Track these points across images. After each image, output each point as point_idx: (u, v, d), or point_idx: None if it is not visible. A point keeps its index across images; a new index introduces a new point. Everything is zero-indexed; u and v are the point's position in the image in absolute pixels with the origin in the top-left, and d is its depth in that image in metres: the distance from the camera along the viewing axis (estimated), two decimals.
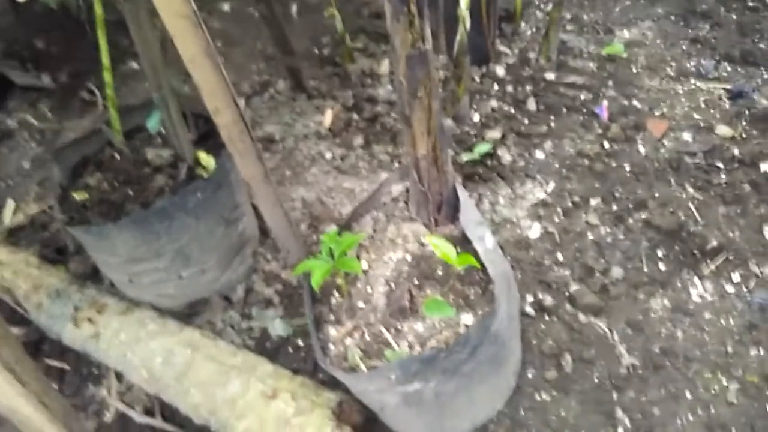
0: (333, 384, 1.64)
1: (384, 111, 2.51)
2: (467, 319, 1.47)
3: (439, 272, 1.53)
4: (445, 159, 1.51)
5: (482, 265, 1.43)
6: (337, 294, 1.54)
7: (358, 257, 1.56)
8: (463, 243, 1.55)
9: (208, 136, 2.02)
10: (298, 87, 2.71)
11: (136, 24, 1.62)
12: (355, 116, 2.54)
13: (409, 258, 1.55)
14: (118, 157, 1.94)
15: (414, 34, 1.28)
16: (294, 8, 3.37)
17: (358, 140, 2.43)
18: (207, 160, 1.93)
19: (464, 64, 2.25)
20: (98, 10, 1.69)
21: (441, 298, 1.46)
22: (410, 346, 1.43)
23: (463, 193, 1.57)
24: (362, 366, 1.40)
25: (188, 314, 1.99)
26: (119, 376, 1.92)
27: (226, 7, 3.40)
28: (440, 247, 1.38)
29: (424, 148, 1.47)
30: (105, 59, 1.76)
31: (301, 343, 1.89)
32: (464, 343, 1.35)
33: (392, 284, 1.52)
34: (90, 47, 3.16)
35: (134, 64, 3.09)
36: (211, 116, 1.67)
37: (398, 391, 1.38)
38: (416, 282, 1.53)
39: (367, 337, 1.46)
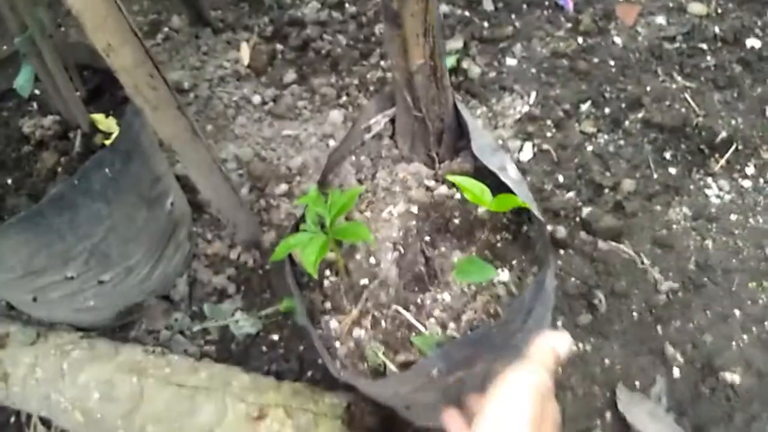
0: (331, 381, 1.28)
1: (315, 34, 2.05)
2: (503, 275, 1.13)
3: (456, 221, 1.17)
4: (444, 70, 1.13)
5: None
6: (329, 273, 1.15)
7: (349, 219, 1.17)
8: (479, 179, 1.19)
9: (100, 92, 1.52)
10: (198, 21, 2.18)
11: None
12: (279, 46, 2.07)
13: (414, 209, 1.17)
14: None
15: None
16: None
17: (290, 75, 1.98)
18: (106, 123, 1.44)
19: None
20: None
21: (474, 256, 1.10)
22: (442, 325, 1.08)
23: (467, 114, 1.20)
24: (389, 364, 1.03)
25: (121, 328, 1.54)
26: (46, 422, 1.46)
27: None
28: (469, 187, 1.01)
29: (420, 56, 1.07)
30: None
31: (275, 337, 1.49)
32: (518, 309, 1.01)
33: (400, 247, 1.15)
34: None
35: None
36: (104, 60, 1.19)
37: (437, 386, 1.04)
38: (429, 239, 1.16)
39: (383, 323, 1.09)
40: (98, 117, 1.42)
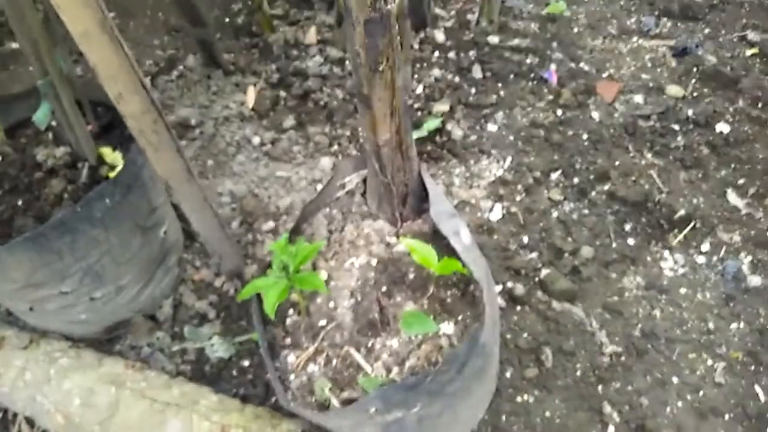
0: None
1: (315, 86, 2.22)
2: (448, 328, 1.26)
3: (411, 276, 1.31)
4: (410, 143, 1.28)
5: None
6: (292, 312, 1.29)
7: (315, 266, 1.31)
8: (435, 239, 1.33)
9: (112, 127, 1.68)
10: (211, 62, 2.37)
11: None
12: (282, 93, 2.25)
13: (374, 262, 1.31)
14: (1, 160, 1.57)
15: None
16: None
17: (289, 121, 2.15)
18: (113, 156, 1.60)
19: (405, 30, 1.99)
20: None
21: (418, 310, 1.24)
22: (387, 368, 1.21)
23: (430, 182, 1.35)
24: (333, 399, 1.16)
25: (108, 341, 1.67)
26: (30, 422, 1.59)
27: None
28: (418, 250, 1.15)
29: (386, 132, 1.22)
30: None
31: (246, 363, 1.62)
32: (452, 360, 1.14)
33: (358, 295, 1.28)
34: None
35: (14, 44, 2.63)
36: (114, 104, 1.35)
37: (377, 422, 1.16)
38: (385, 290, 1.30)
39: (334, 362, 1.22)
40: (105, 151, 1.58)
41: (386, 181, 1.30)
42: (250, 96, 2.23)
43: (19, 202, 1.49)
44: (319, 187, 1.95)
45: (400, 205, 1.35)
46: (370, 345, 1.24)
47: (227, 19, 2.67)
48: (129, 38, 2.61)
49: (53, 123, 1.61)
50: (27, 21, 1.32)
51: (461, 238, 1.27)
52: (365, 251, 1.33)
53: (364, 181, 1.43)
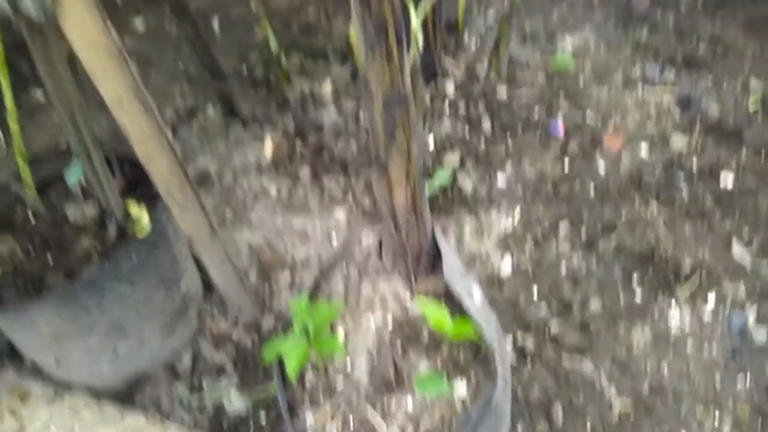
0: None
1: (331, 139, 2.30)
2: (461, 387, 1.30)
3: (425, 335, 1.36)
4: (424, 205, 1.34)
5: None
6: (311, 370, 1.33)
7: (333, 325, 1.36)
8: (449, 297, 1.38)
9: (137, 182, 1.75)
10: (230, 113, 2.46)
11: (46, 63, 1.34)
12: (298, 145, 2.32)
13: (390, 322, 1.36)
14: (33, 218, 1.64)
15: (392, 71, 1.10)
16: (216, 24, 3.10)
17: (305, 172, 2.22)
18: (139, 212, 1.66)
19: (418, 86, 2.07)
20: None
21: (432, 371, 1.28)
22: (402, 429, 1.25)
23: (443, 241, 1.40)
24: None
25: (128, 393, 1.72)
26: None
27: (140, 26, 3.08)
28: (432, 313, 1.20)
29: (402, 195, 1.28)
30: (9, 103, 1.47)
31: (263, 418, 1.66)
32: (465, 423, 1.19)
33: (374, 354, 1.33)
34: None
35: (39, 94, 2.73)
36: (143, 164, 1.43)
37: None
38: (400, 349, 1.34)
39: (351, 422, 1.27)
40: (133, 207, 1.65)
41: (401, 242, 1.36)
42: (268, 147, 2.31)
43: (50, 258, 1.56)
44: (334, 238, 2.02)
45: (414, 264, 1.40)
46: (386, 404, 1.28)
47: (245, 70, 2.76)
48: (150, 87, 2.68)
49: (82, 181, 1.68)
50: (63, 86, 1.39)
51: (473, 298, 1.32)
52: (381, 310, 1.38)
53: (380, 239, 1.48)
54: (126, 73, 1.29)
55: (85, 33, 1.22)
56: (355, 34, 1.08)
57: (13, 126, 1.51)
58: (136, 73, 1.32)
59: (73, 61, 1.41)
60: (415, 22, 1.81)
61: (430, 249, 1.43)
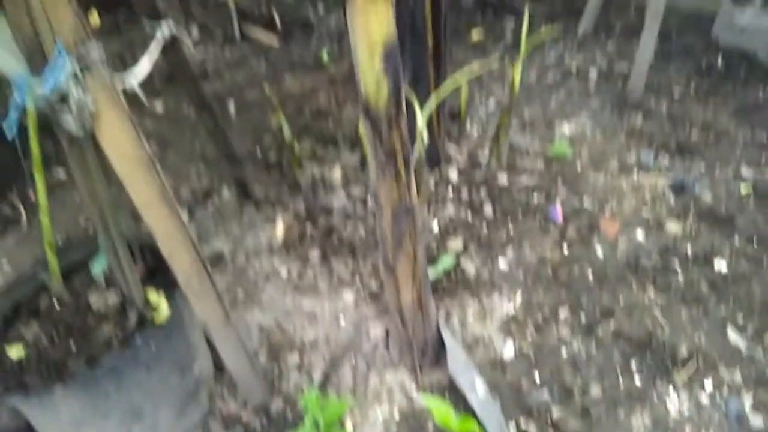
0: None
1: (340, 222, 2.41)
2: None
3: (431, 427, 1.42)
4: (429, 302, 1.42)
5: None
6: None
7: (342, 420, 1.43)
8: (453, 389, 1.45)
9: (156, 270, 1.84)
10: (244, 195, 2.58)
11: (81, 169, 1.46)
12: (309, 227, 2.43)
13: (396, 415, 1.43)
14: (57, 304, 1.73)
15: (400, 189, 1.21)
16: (232, 107, 3.27)
17: (315, 254, 2.31)
18: (157, 299, 1.75)
19: (422, 176, 2.20)
20: (35, 149, 1.53)
21: None
22: None
23: (447, 335, 1.48)
24: None
25: None
26: None
27: (159, 108, 3.26)
28: (437, 409, 1.27)
29: (408, 295, 1.38)
30: (42, 199, 1.59)
31: None
32: None
33: None
34: (11, 154, 2.93)
35: (61, 173, 2.87)
36: (166, 259, 1.53)
37: None
38: None
39: None
40: (152, 295, 1.74)
41: (407, 336, 1.44)
42: (279, 229, 2.41)
43: (73, 345, 1.64)
44: (342, 320, 2.09)
45: (419, 356, 1.48)
46: None
47: (259, 152, 2.91)
48: (167, 167, 2.85)
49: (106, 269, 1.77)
50: (96, 190, 1.51)
51: (476, 391, 1.39)
52: (388, 403, 1.44)
53: (387, 330, 1.56)
54: (155, 179, 1.40)
55: (120, 145, 1.34)
56: (364, 131, 1.19)
57: (45, 219, 1.62)
58: (163, 178, 1.43)
59: (104, 165, 1.53)
60: (421, 122, 1.95)
61: (435, 342, 1.51)
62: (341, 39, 3.70)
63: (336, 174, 2.62)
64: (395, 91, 1.08)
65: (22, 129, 2.79)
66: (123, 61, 3.44)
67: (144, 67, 1.64)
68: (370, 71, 1.04)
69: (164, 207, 1.45)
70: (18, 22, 1.21)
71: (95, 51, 1.28)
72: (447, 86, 2.06)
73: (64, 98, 1.26)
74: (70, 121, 1.29)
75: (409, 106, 1.71)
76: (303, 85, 3.36)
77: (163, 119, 3.20)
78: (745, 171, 2.68)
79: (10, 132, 1.31)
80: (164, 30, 1.91)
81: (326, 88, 3.31)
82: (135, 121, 1.36)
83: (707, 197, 2.54)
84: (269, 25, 3.84)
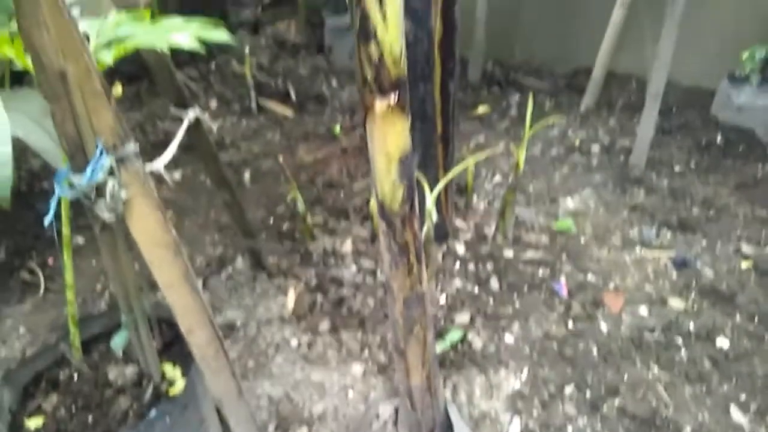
0: None
1: (350, 294, 2.48)
2: None
3: None
4: (437, 385, 1.48)
5: None
6: None
7: None
8: None
9: (172, 343, 1.91)
10: (257, 264, 2.66)
11: (111, 252, 1.55)
12: (319, 298, 2.50)
13: None
14: (76, 377, 1.79)
15: (412, 280, 1.28)
16: (247, 176, 3.39)
17: (325, 325, 2.37)
18: (173, 372, 1.81)
19: (431, 252, 2.28)
20: (66, 231, 1.63)
21: None
22: None
23: (455, 415, 1.53)
24: None
25: None
26: None
27: (177, 175, 3.39)
28: None
29: (418, 378, 1.43)
30: (69, 277, 1.67)
31: None
32: None
33: None
34: (32, 219, 3.05)
35: (80, 240, 2.97)
36: (184, 336, 1.59)
37: None
38: None
39: None
40: (168, 368, 1.80)
41: (416, 417, 1.49)
42: (291, 300, 2.49)
43: (90, 419, 1.69)
44: (351, 394, 2.14)
45: None
46: None
47: (272, 222, 3.01)
48: (184, 236, 2.95)
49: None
50: (123, 272, 1.60)
51: None
52: None
53: (396, 410, 1.61)
54: (179, 262, 1.48)
55: (149, 231, 1.43)
56: (379, 229, 1.27)
57: (70, 296, 1.70)
58: (186, 261, 1.52)
59: (132, 248, 1.62)
60: (430, 203, 2.05)
61: (444, 423, 1.56)
62: (353, 112, 3.85)
63: (347, 246, 2.71)
64: (409, 196, 1.17)
65: (36, 197, 2.93)
66: (144, 132, 3.59)
67: (170, 152, 1.76)
68: (387, 178, 1.14)
69: (186, 287, 1.53)
70: (62, 123, 1.32)
71: (131, 147, 1.39)
72: (455, 170, 2.16)
73: (100, 190, 1.36)
74: (104, 210, 1.38)
75: (419, 186, 1.81)
76: (316, 156, 3.49)
77: (180, 188, 3.32)
78: (746, 247, 2.75)
79: (48, 221, 1.41)
80: (190, 116, 2.04)
81: (338, 160, 3.44)
82: (162, 206, 1.46)
83: (709, 273, 2.60)
84: (284, 97, 4.01)
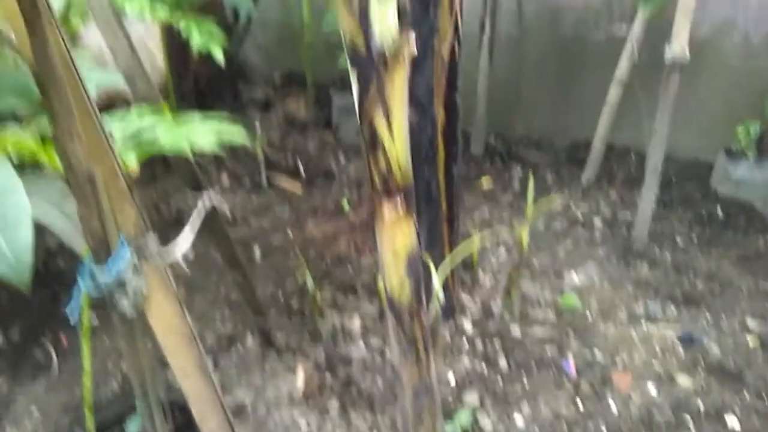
0: None
1: (359, 373, 2.50)
2: None
3: None
4: None
5: None
6: None
7: None
8: None
9: (185, 427, 1.93)
10: (266, 342, 2.69)
11: (128, 341, 1.60)
12: (328, 377, 2.51)
13: None
14: None
15: (421, 370, 1.32)
16: (257, 251, 3.46)
17: (334, 405, 2.38)
18: None
19: (438, 331, 2.32)
20: (85, 321, 1.68)
21: None
22: None
23: None
24: None
25: None
26: None
27: (190, 253, 3.46)
28: None
29: None
30: (87, 364, 1.72)
31: None
32: None
33: None
34: (47, 298, 3.11)
35: (93, 318, 3.02)
36: (196, 420, 1.62)
37: None
38: None
39: None
40: None
41: None
42: (300, 379, 2.50)
43: None
44: None
45: None
46: None
47: (282, 297, 3.05)
48: (194, 312, 2.99)
49: None
50: (139, 361, 1.64)
51: None
52: None
53: None
54: (195, 351, 1.53)
55: (167, 322, 1.49)
56: (389, 323, 1.32)
57: (87, 382, 1.74)
58: (200, 347, 1.57)
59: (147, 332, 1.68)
60: (437, 284, 2.10)
61: None
62: (360, 187, 3.96)
63: (355, 324, 2.75)
64: (416, 290, 1.23)
65: (52, 276, 3.01)
66: (158, 210, 3.69)
67: (187, 239, 1.83)
68: (395, 274, 1.20)
69: (199, 375, 1.57)
70: (89, 221, 1.40)
71: (152, 242, 1.46)
72: (460, 251, 2.23)
73: (121, 284, 1.42)
74: (125, 304, 1.44)
75: (426, 267, 1.87)
76: (324, 231, 3.56)
77: (192, 264, 3.38)
78: (751, 322, 2.77)
79: (73, 316, 1.47)
80: (206, 201, 2.13)
81: (346, 234, 3.51)
82: (179, 296, 1.52)
83: (715, 350, 2.61)
84: (294, 173, 4.13)
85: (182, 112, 1.76)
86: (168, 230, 1.59)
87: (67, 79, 1.21)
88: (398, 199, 1.12)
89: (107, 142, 1.33)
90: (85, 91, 1.29)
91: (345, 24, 0.96)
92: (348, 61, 1.04)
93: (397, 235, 1.16)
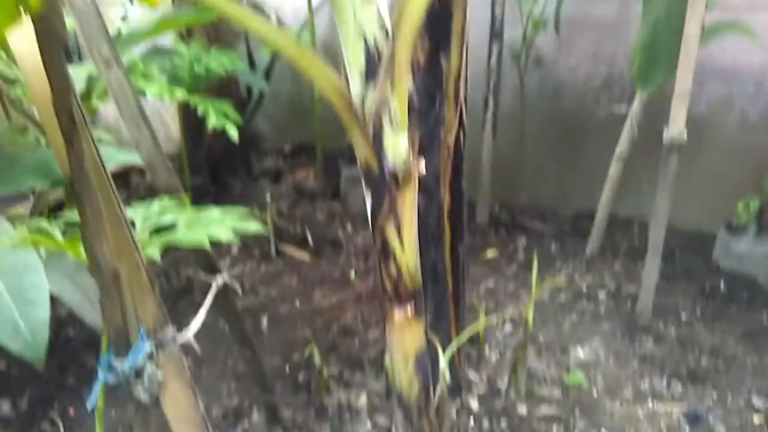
0: None
1: None
2: None
3: None
4: None
5: None
6: None
7: None
8: None
9: None
10: (273, 418, 2.70)
11: (144, 429, 1.64)
12: None
13: None
14: None
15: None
16: (264, 321, 3.50)
17: None
18: None
19: (445, 412, 2.33)
20: (100, 403, 1.72)
21: None
22: None
23: None
24: None
25: None
26: None
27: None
28: None
29: None
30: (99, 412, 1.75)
31: None
32: None
33: None
34: (56, 368, 3.14)
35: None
36: None
37: None
38: None
39: None
40: None
41: None
42: None
43: None
44: None
45: None
46: None
47: (288, 370, 3.08)
48: (201, 385, 3.01)
49: None
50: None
51: None
52: None
53: None
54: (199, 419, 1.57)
55: (181, 408, 1.53)
56: (389, 366, 1.36)
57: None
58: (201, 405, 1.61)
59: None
60: (443, 363, 2.13)
61: None
62: (367, 256, 4.03)
63: (362, 400, 2.76)
64: (425, 387, 1.28)
65: (61, 345, 3.05)
66: (168, 279, 3.76)
67: (199, 320, 1.89)
68: (404, 372, 1.25)
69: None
70: (110, 312, 1.47)
71: (170, 333, 1.53)
72: (467, 333, 2.26)
73: (138, 373, 1.48)
74: (141, 393, 1.49)
75: (432, 345, 1.91)
76: (331, 302, 3.61)
77: (199, 336, 3.41)
78: (756, 400, 2.77)
79: (92, 404, 1.51)
80: (218, 281, 2.19)
81: (353, 305, 3.55)
82: (193, 385, 1.57)
83: (721, 429, 2.61)
84: (302, 242, 4.21)
85: (200, 205, 1.85)
86: (177, 300, 1.65)
87: (98, 184, 1.31)
88: (408, 305, 1.18)
89: (132, 240, 1.41)
90: (114, 192, 1.38)
91: (360, 148, 1.05)
92: (362, 179, 1.13)
93: (406, 336, 1.22)
